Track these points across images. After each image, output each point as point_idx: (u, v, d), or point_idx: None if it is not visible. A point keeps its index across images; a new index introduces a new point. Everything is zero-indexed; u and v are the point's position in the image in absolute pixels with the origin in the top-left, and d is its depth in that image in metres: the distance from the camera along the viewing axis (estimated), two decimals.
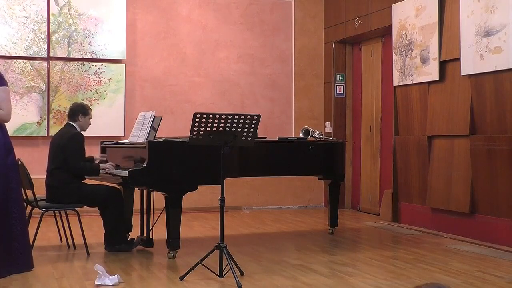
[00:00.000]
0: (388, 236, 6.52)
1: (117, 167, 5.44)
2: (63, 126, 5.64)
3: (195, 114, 4.28)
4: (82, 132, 5.39)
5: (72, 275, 4.51)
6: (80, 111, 5.42)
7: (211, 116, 4.29)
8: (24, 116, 7.64)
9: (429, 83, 6.76)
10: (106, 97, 7.98)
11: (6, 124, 4.51)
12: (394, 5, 7.31)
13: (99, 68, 7.97)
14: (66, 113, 5.59)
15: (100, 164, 5.40)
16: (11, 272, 4.40)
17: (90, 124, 5.52)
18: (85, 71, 7.93)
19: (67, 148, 5.21)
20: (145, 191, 5.67)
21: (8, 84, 4.64)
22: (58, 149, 5.26)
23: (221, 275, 4.36)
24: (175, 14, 8.43)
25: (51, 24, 7.77)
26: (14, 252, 4.44)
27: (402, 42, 7.16)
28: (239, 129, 4.36)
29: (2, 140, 4.40)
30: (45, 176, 5.34)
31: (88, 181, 5.43)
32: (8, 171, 4.41)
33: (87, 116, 5.44)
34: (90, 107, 5.60)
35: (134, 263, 4.97)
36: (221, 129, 4.32)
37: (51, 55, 7.80)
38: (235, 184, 7.89)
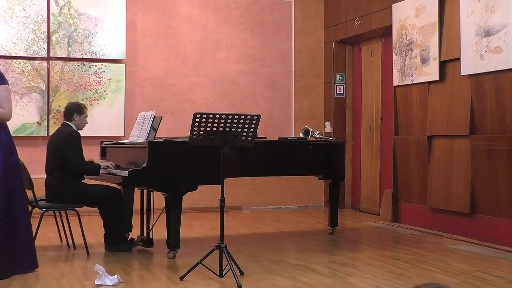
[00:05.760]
0: (388, 236, 6.52)
1: (117, 167, 5.43)
2: (60, 126, 5.65)
3: (195, 114, 4.28)
4: (79, 131, 5.38)
5: (72, 275, 4.51)
6: (75, 110, 5.41)
7: (211, 116, 4.29)
8: (24, 116, 7.63)
9: (429, 83, 6.76)
10: (106, 97, 7.98)
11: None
12: (394, 5, 7.31)
13: (99, 68, 7.97)
14: (62, 113, 5.59)
15: (100, 163, 5.40)
16: (16, 273, 4.38)
17: (86, 123, 5.49)
18: (85, 71, 7.93)
19: (64, 147, 5.20)
20: (145, 191, 5.67)
21: (8, 84, 4.63)
22: (55, 149, 5.26)
23: (221, 275, 4.36)
24: (175, 14, 8.42)
25: (51, 24, 7.77)
26: (19, 253, 4.42)
27: (402, 42, 7.16)
28: (239, 129, 4.36)
29: (4, 140, 4.38)
30: (44, 176, 5.34)
31: (88, 181, 5.44)
32: (11, 171, 4.38)
33: (82, 114, 5.42)
34: (86, 105, 5.59)
35: (134, 263, 4.97)
36: (221, 129, 4.32)
37: (51, 55, 7.80)
38: (235, 184, 7.89)
